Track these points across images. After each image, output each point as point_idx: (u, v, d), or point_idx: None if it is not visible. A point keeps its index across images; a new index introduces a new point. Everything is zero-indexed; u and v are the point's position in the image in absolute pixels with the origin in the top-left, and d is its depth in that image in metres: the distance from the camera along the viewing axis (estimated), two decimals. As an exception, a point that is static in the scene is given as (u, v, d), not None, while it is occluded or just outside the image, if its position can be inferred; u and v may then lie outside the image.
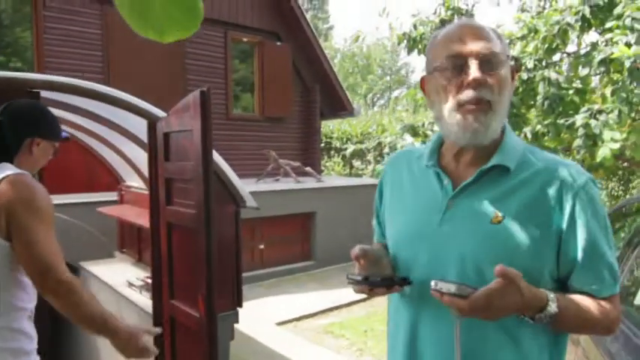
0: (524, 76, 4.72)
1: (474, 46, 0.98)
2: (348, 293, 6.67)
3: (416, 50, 5.08)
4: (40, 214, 1.48)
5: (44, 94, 2.65)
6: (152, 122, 2.68)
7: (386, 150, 9.38)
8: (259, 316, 5.02)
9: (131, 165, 4.42)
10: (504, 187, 1.00)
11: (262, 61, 8.20)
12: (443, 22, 4.92)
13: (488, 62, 0.98)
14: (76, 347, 4.65)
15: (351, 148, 10.57)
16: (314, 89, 8.75)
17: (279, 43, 8.33)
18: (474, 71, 0.97)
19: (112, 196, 4.91)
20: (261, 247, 6.37)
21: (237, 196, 3.06)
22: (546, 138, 4.48)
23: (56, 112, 3.44)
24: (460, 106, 0.98)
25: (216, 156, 3.00)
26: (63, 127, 4.84)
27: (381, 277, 1.02)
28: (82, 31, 6.36)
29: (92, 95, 2.46)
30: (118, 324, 1.58)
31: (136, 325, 1.69)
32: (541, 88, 4.27)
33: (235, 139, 7.77)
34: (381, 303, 5.31)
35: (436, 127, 5.02)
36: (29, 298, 1.58)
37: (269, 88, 8.23)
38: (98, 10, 6.47)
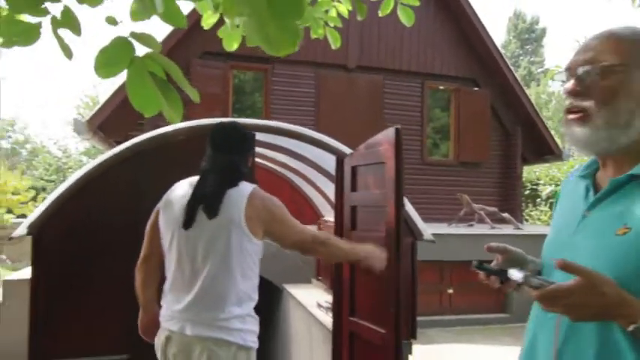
0: None
1: (581, 56, 1.01)
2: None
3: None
4: (282, 209, 1.93)
5: (260, 137, 3.33)
6: (340, 157, 3.08)
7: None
8: (444, 360, 4.90)
9: (329, 201, 4.99)
10: (638, 197, 0.94)
11: (459, 107, 8.27)
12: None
13: (591, 72, 0.98)
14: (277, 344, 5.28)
15: (547, 189, 9.33)
16: (515, 133, 8.34)
17: (476, 89, 8.30)
18: (569, 81, 1.01)
19: (313, 229, 5.57)
20: (450, 291, 6.22)
21: (414, 229, 3.21)
22: None
23: (269, 152, 4.19)
24: (565, 115, 1.04)
25: (395, 189, 3.24)
26: (276, 167, 5.68)
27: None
28: (299, 90, 7.54)
29: (293, 135, 3.00)
30: (360, 252, 2.06)
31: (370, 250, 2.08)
32: None
33: (429, 183, 7.90)
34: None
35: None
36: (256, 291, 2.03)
37: (465, 133, 8.20)
38: (313, 72, 7.60)
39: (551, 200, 9.93)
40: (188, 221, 1.86)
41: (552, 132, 8.64)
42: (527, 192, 9.32)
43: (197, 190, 1.89)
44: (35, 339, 2.78)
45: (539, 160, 8.87)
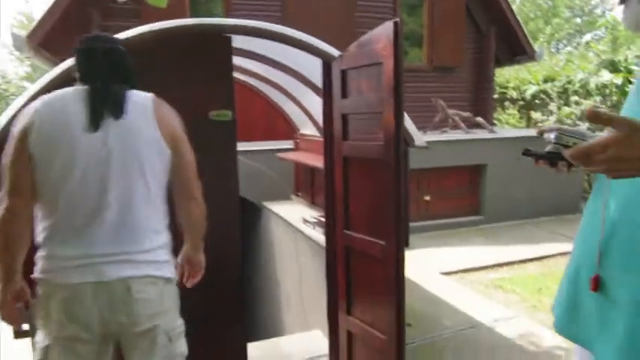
0: None
1: None
2: (520, 251, 6.10)
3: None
4: (183, 130, 1.65)
5: (234, 43, 2.95)
6: (327, 61, 2.79)
7: (574, 97, 7.91)
8: (424, 265, 5.03)
9: (307, 114, 4.72)
10: None
11: (432, 8, 7.82)
12: None
13: None
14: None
15: (531, 89, 9.02)
16: (489, 33, 8.06)
17: (450, -14, 7.83)
18: None
19: (289, 144, 5.35)
20: (427, 198, 6.29)
21: (406, 136, 3.04)
22: None
23: (242, 61, 3.82)
24: None
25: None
26: (249, 78, 5.27)
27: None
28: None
29: (273, 36, 2.66)
30: (201, 245, 1.81)
31: None
32: None
33: (402, 90, 7.67)
34: (559, 263, 4.83)
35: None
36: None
37: (439, 36, 7.85)
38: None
39: (521, 102, 9.91)
40: (94, 122, 1.45)
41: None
42: (496, 96, 9.22)
43: (93, 89, 1.51)
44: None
45: (511, 62, 8.70)
